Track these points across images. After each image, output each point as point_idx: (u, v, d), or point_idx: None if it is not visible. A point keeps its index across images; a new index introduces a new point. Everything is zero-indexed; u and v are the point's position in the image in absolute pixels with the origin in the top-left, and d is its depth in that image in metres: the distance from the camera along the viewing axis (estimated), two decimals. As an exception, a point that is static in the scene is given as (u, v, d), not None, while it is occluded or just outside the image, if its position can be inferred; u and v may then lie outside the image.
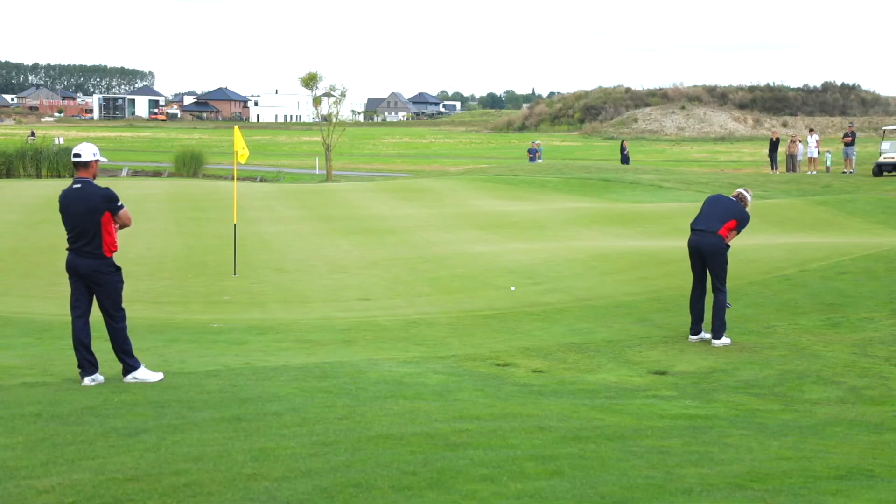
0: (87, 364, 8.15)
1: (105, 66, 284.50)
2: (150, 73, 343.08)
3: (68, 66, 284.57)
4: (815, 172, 39.50)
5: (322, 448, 5.88)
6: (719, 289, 11.02)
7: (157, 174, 53.98)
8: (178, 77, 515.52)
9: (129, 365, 8.27)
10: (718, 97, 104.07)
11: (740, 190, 11.57)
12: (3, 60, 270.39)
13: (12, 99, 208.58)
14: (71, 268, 8.20)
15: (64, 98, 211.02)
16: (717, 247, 10.95)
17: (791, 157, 41.52)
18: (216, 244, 19.23)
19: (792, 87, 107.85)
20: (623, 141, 54.62)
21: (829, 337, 11.20)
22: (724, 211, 11.12)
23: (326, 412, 7.01)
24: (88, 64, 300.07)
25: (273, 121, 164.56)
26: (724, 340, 10.92)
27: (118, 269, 8.31)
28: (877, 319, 11.92)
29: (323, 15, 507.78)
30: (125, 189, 31.36)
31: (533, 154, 47.66)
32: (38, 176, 51.84)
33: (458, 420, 6.89)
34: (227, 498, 4.87)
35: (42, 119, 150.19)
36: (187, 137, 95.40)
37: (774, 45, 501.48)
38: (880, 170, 35.98)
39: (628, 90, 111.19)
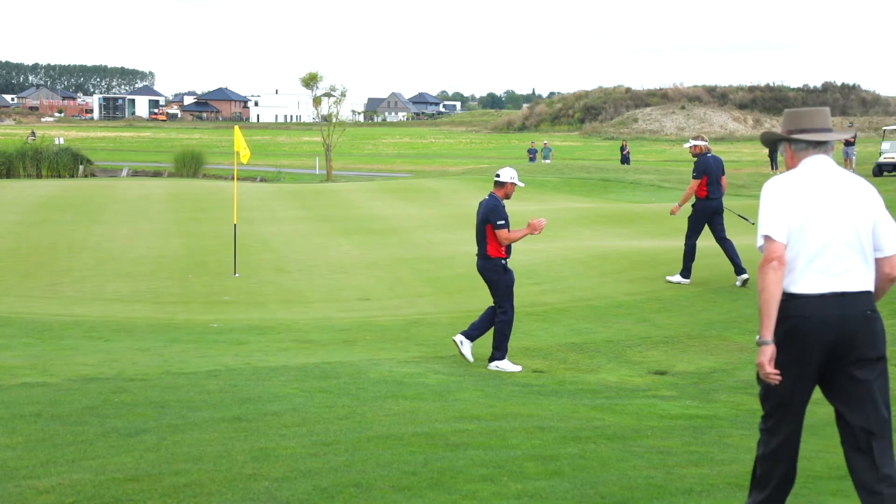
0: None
1: (105, 66, 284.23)
2: (151, 73, 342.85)
3: (68, 66, 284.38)
4: (814, 172, 39.44)
5: (322, 448, 5.88)
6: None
7: (157, 174, 53.94)
8: (178, 77, 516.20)
9: (495, 356, 9.81)
10: (718, 97, 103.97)
11: (693, 142, 14.55)
12: (3, 60, 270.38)
13: (12, 99, 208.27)
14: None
15: (64, 98, 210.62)
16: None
17: (791, 157, 41.51)
18: (216, 244, 19.22)
19: (792, 87, 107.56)
20: (623, 141, 54.66)
21: (829, 337, 11.19)
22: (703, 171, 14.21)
23: (326, 412, 7.01)
24: (88, 64, 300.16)
25: (273, 121, 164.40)
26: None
27: (506, 270, 9.97)
28: (877, 319, 11.90)
29: (323, 15, 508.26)
30: (125, 189, 31.35)
31: (533, 154, 47.66)
32: (38, 176, 51.77)
33: (458, 420, 6.90)
34: (227, 498, 4.87)
35: (42, 119, 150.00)
36: (187, 137, 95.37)
37: (774, 45, 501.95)
38: (880, 170, 36.00)
39: (628, 90, 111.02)
